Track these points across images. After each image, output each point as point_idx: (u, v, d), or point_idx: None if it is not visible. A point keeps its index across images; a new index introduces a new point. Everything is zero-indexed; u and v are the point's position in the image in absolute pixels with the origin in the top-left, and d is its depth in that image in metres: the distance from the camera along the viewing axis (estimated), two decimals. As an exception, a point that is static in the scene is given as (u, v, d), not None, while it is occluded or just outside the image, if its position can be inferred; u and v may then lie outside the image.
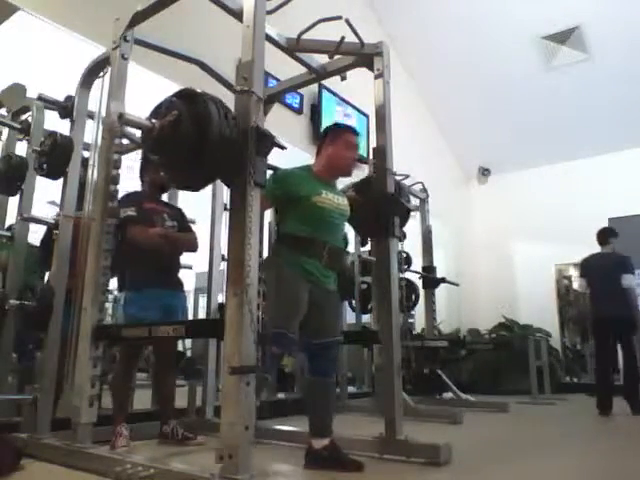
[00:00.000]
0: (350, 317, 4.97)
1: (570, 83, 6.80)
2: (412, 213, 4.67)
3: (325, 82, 5.20)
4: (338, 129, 2.46)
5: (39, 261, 3.03)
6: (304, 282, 2.17)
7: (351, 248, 5.09)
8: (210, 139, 1.78)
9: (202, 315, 4.18)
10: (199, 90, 1.91)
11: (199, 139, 1.80)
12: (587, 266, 4.88)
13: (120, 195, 2.48)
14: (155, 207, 2.84)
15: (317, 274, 2.21)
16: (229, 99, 2.00)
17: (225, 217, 3.40)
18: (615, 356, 4.75)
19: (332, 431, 2.23)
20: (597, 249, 5.02)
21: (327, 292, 2.27)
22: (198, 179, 1.98)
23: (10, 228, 3.00)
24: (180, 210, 3.07)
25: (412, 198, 5.03)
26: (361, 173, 2.89)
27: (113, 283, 2.76)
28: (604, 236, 4.86)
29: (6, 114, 3.16)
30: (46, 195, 3.14)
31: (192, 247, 2.95)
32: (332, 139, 2.38)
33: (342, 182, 2.63)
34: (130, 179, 2.95)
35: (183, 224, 2.96)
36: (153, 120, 1.95)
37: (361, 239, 4.68)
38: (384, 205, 2.58)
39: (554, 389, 5.64)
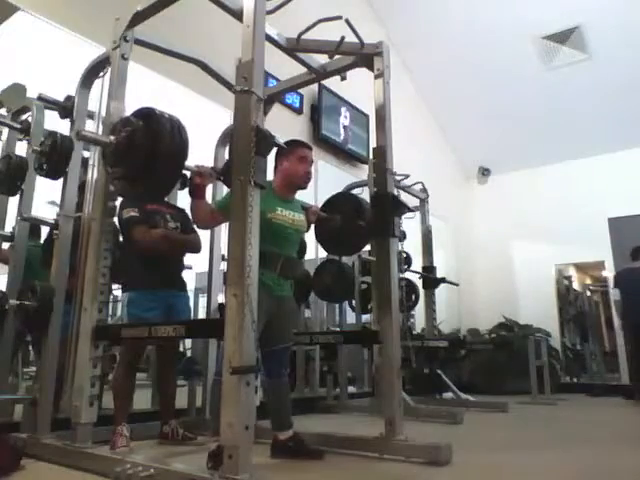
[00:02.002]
0: (350, 317, 4.98)
1: (570, 83, 6.80)
2: (412, 213, 4.67)
3: (325, 82, 5.21)
4: (292, 144, 2.53)
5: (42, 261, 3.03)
6: (261, 293, 2.21)
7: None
8: (161, 152, 1.97)
9: (202, 315, 4.18)
10: (157, 109, 2.09)
11: (151, 152, 1.98)
12: (620, 279, 5.61)
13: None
14: (158, 208, 2.83)
15: (271, 284, 2.32)
16: (229, 99, 2.00)
17: (225, 217, 3.40)
18: None
19: (292, 424, 2.45)
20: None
21: (281, 299, 2.40)
22: (151, 189, 2.19)
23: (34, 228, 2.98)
24: (183, 211, 3.06)
25: (412, 198, 5.03)
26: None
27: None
28: (637, 253, 5.59)
29: (6, 114, 3.16)
30: (46, 195, 3.14)
31: (195, 248, 2.95)
32: (286, 154, 2.47)
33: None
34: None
35: (186, 225, 2.96)
36: (110, 137, 2.14)
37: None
38: (384, 205, 2.58)
39: (554, 389, 5.64)
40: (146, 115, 2.09)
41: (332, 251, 3.91)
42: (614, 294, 5.63)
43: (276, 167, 2.52)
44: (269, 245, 2.21)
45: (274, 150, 2.09)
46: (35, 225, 3.11)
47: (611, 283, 6.75)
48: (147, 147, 2.00)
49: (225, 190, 3.33)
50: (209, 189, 3.48)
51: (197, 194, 2.33)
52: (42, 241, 3.14)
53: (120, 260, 2.39)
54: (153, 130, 2.02)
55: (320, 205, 3.08)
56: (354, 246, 3.24)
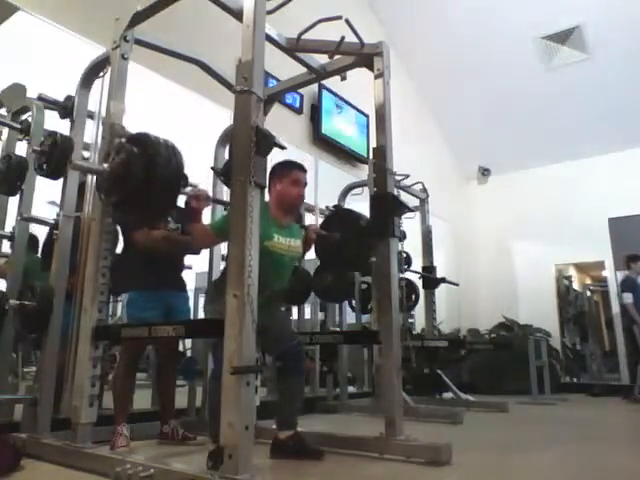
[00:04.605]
0: (350, 317, 4.98)
1: (570, 83, 6.80)
2: (412, 213, 4.67)
3: (325, 82, 5.21)
4: (285, 166, 2.54)
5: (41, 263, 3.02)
6: None
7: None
8: (157, 179, 1.95)
9: (202, 315, 4.18)
10: (151, 135, 2.06)
11: (147, 179, 1.95)
12: (630, 284, 5.85)
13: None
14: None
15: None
16: (229, 99, 2.00)
17: (225, 217, 3.40)
18: None
19: (296, 425, 2.43)
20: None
21: (267, 313, 2.30)
22: (147, 216, 2.21)
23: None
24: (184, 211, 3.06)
25: (412, 198, 5.03)
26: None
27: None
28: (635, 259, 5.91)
29: (6, 114, 3.15)
30: (46, 195, 3.14)
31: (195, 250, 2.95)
32: (280, 177, 2.48)
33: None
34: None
35: (187, 226, 2.96)
36: (104, 165, 2.11)
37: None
38: (384, 205, 2.58)
39: (554, 389, 5.64)
40: (140, 141, 2.06)
41: (334, 269, 3.91)
42: (626, 298, 5.77)
43: (270, 188, 2.51)
44: (262, 272, 2.14)
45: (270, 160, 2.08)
46: (33, 239, 3.11)
47: (612, 286, 6.84)
48: (142, 174, 1.97)
49: (225, 190, 3.35)
50: (209, 188, 3.50)
51: (194, 218, 2.34)
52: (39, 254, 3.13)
53: (112, 267, 2.36)
54: (148, 156, 1.98)
55: (321, 222, 3.10)
56: (355, 264, 3.23)
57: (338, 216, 3.20)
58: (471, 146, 8.25)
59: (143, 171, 1.96)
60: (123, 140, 2.16)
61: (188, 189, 2.33)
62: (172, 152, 2.02)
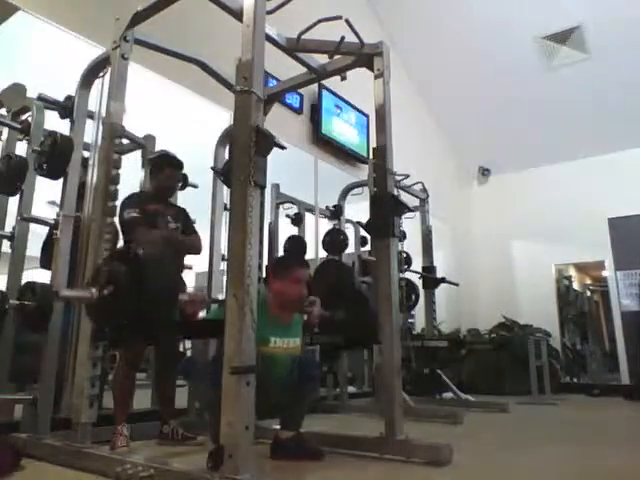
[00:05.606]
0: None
1: (570, 83, 6.80)
2: (412, 213, 4.67)
3: (325, 82, 5.20)
4: (285, 265, 2.53)
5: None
6: None
7: (351, 248, 5.10)
8: (149, 300, 1.86)
9: (202, 315, 4.17)
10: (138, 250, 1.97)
11: (138, 302, 1.85)
12: None
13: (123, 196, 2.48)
14: (158, 209, 2.83)
15: None
16: (229, 99, 2.00)
17: (225, 217, 3.40)
18: None
19: (300, 427, 2.42)
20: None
21: None
22: (141, 335, 2.13)
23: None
24: (184, 211, 3.06)
25: (412, 198, 5.03)
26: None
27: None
28: None
29: (6, 114, 3.15)
30: (46, 195, 3.14)
31: (195, 250, 2.94)
32: (280, 276, 2.45)
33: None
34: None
35: (187, 226, 2.95)
36: (92, 290, 1.99)
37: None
38: (384, 205, 2.58)
39: (554, 389, 5.64)
40: (128, 259, 1.96)
41: (346, 345, 3.85)
42: None
43: (270, 285, 2.48)
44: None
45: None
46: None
47: (612, 286, 6.86)
48: (134, 298, 1.85)
49: (226, 190, 3.35)
50: (209, 188, 3.50)
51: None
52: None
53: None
54: (138, 277, 1.87)
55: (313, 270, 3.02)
56: (365, 342, 3.16)
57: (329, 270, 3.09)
58: (471, 146, 8.24)
59: (134, 296, 1.85)
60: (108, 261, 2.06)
61: (183, 296, 2.25)
62: (164, 267, 1.96)
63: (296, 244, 4.68)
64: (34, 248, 2.98)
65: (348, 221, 5.08)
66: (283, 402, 2.37)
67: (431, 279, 5.05)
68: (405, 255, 4.77)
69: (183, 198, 3.39)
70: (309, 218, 5.09)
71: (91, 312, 2.08)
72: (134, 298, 1.85)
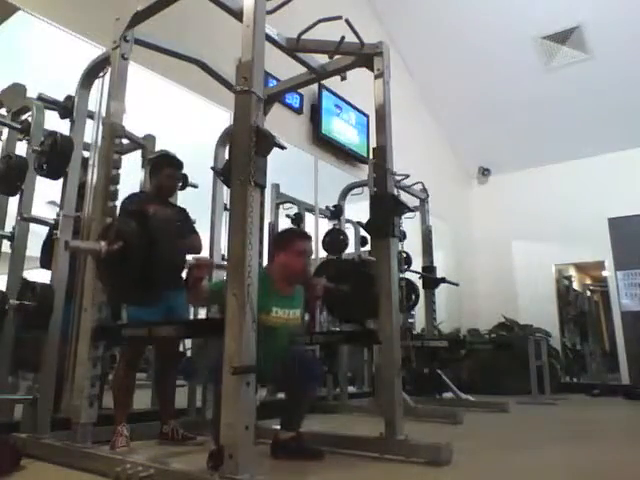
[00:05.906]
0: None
1: (570, 83, 6.79)
2: (412, 213, 4.67)
3: (325, 82, 5.20)
4: (290, 237, 2.53)
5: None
6: None
7: (351, 248, 5.10)
8: (158, 257, 1.88)
9: (202, 315, 4.18)
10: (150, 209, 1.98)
11: (148, 259, 1.87)
12: None
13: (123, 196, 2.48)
14: (158, 208, 2.83)
15: None
16: (229, 99, 2.00)
17: (225, 217, 3.40)
18: None
19: (299, 428, 2.42)
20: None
21: None
22: (147, 293, 2.08)
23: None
24: (184, 211, 3.06)
25: (412, 198, 5.03)
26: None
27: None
28: None
29: (6, 114, 3.15)
30: (46, 195, 3.14)
31: (195, 249, 2.94)
32: (284, 248, 2.46)
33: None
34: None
35: (187, 226, 2.95)
36: (101, 243, 2.00)
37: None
38: (384, 205, 2.58)
39: (554, 389, 5.64)
40: (139, 215, 1.97)
41: (346, 319, 3.89)
42: None
43: (273, 256, 2.50)
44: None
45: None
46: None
47: (612, 286, 6.86)
48: (143, 254, 1.88)
49: (226, 190, 3.35)
50: (209, 187, 3.50)
51: (194, 286, 2.22)
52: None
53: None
54: (148, 233, 1.90)
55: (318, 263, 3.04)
56: (369, 312, 3.15)
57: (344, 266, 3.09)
58: (471, 146, 8.24)
59: (144, 252, 1.86)
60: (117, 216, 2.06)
61: (190, 259, 2.24)
62: (173, 226, 1.98)
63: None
64: (34, 248, 2.98)
65: (348, 221, 5.08)
66: (277, 374, 2.36)
67: (431, 279, 5.05)
68: (405, 255, 4.77)
69: (183, 198, 3.39)
70: (309, 218, 5.09)
71: (100, 268, 2.08)
72: (143, 255, 1.87)
